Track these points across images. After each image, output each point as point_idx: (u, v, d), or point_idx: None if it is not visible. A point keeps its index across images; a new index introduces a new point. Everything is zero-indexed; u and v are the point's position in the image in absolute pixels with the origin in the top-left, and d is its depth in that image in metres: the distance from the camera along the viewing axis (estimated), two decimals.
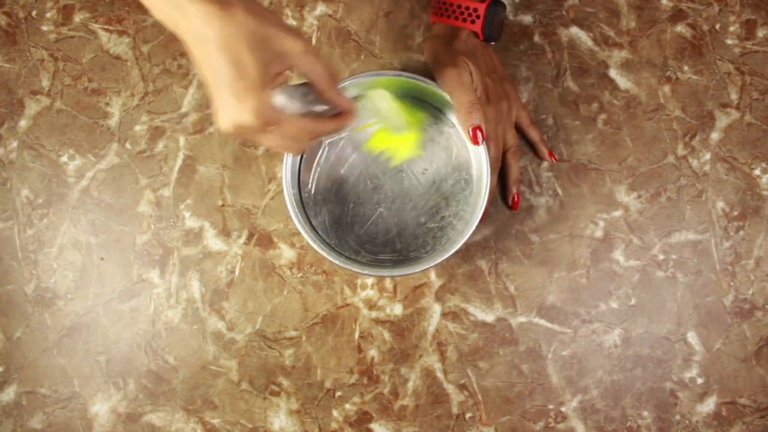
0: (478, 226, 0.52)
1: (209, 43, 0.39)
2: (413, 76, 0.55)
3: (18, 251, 0.64)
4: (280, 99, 0.43)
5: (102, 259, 0.63)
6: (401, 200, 0.57)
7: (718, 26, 0.63)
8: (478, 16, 0.56)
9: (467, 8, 0.56)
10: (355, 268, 0.53)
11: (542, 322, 0.60)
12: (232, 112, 0.41)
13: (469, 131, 0.53)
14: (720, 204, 0.61)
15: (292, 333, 0.62)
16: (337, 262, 0.53)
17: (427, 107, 0.58)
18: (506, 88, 0.59)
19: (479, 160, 0.54)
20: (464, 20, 0.56)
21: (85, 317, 0.63)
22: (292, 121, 0.44)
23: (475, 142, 0.53)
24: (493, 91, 0.57)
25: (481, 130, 0.53)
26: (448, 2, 0.57)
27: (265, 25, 0.40)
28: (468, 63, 0.54)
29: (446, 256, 0.53)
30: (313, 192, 0.57)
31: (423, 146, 0.57)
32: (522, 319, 0.61)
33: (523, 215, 0.62)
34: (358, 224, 0.57)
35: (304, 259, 0.62)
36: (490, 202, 0.57)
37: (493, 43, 0.59)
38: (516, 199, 0.60)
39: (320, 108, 0.47)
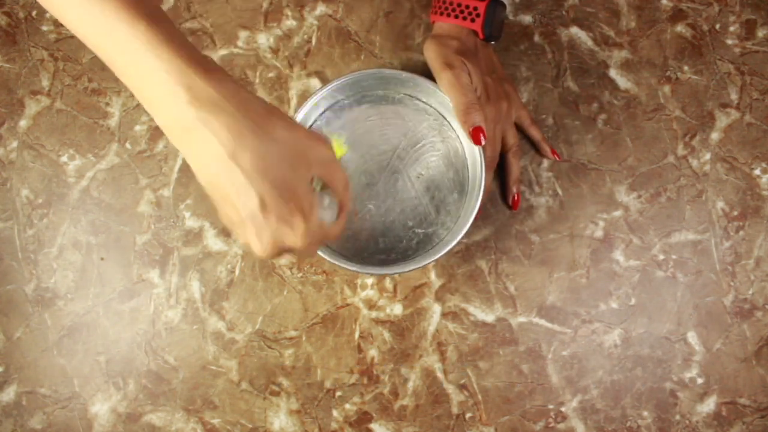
0: (478, 227, 0.52)
1: (241, 163, 0.34)
2: (413, 76, 0.55)
3: (18, 251, 0.64)
4: (324, 214, 0.40)
5: (102, 259, 0.63)
6: (392, 200, 0.57)
7: (718, 26, 0.63)
8: (478, 15, 0.56)
9: (467, 7, 0.56)
10: (341, 263, 0.53)
11: (542, 322, 0.60)
12: (276, 236, 0.37)
13: (469, 131, 0.53)
14: (720, 204, 0.61)
15: (292, 333, 0.62)
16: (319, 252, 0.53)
17: (427, 113, 0.58)
18: (506, 88, 0.59)
19: (475, 162, 0.55)
20: (464, 19, 0.56)
21: (85, 317, 0.63)
22: (322, 234, 0.41)
23: (477, 142, 0.53)
24: (493, 91, 0.56)
25: (482, 131, 0.53)
26: (449, 1, 0.57)
27: (301, 138, 0.37)
28: (467, 63, 0.54)
29: (437, 256, 0.53)
30: None
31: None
32: (522, 319, 0.60)
33: (523, 215, 0.62)
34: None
35: (304, 259, 0.62)
36: (484, 202, 0.57)
37: (493, 42, 0.59)
38: (516, 198, 0.60)
39: (332, 215, 0.44)
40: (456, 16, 0.57)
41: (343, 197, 0.43)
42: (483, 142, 0.53)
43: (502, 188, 0.61)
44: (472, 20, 0.56)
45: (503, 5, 0.58)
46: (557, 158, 0.61)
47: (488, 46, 0.60)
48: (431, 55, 0.56)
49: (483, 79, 0.56)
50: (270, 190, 0.35)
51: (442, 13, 0.57)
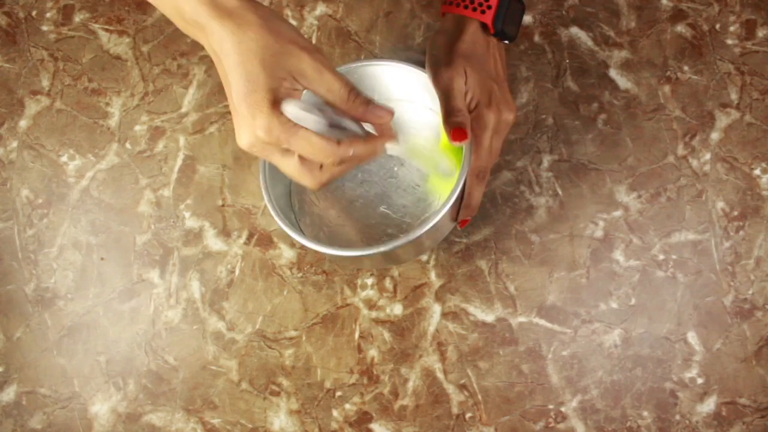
0: (478, 227, 0.52)
1: (227, 59, 0.39)
2: (412, 65, 0.53)
3: (18, 251, 0.64)
4: (292, 110, 0.40)
5: (102, 259, 0.63)
6: (379, 202, 0.56)
7: (718, 26, 0.63)
8: (489, 6, 0.52)
9: None
10: (311, 244, 0.51)
11: (542, 322, 0.60)
12: (246, 129, 0.40)
13: (449, 131, 0.48)
14: (720, 204, 0.61)
15: (292, 333, 0.62)
16: (289, 231, 0.52)
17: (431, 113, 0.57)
18: (511, 98, 0.54)
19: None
20: (474, 10, 0.52)
21: (85, 317, 0.63)
22: (308, 138, 0.40)
23: (455, 137, 0.48)
24: (498, 98, 0.52)
25: (462, 130, 0.48)
26: None
27: (280, 42, 0.39)
28: (466, 66, 0.51)
29: (398, 243, 0.49)
30: None
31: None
32: (522, 319, 0.61)
33: (523, 215, 0.62)
34: (335, 206, 0.56)
35: (304, 259, 0.62)
36: (471, 215, 0.53)
37: (506, 42, 0.55)
38: (459, 222, 0.55)
39: (349, 124, 0.42)
40: (466, 7, 0.53)
41: (351, 110, 0.42)
42: (464, 140, 0.48)
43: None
44: (483, 12, 0.52)
45: (521, 3, 0.55)
46: (459, 226, 0.56)
47: (500, 46, 0.55)
48: (430, 52, 0.53)
49: (487, 84, 0.52)
50: (238, 81, 0.39)
51: (452, 3, 0.54)
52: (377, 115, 0.43)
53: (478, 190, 0.52)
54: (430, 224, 0.48)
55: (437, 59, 0.52)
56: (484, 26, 0.53)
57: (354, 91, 0.42)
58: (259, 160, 0.63)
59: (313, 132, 0.40)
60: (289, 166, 0.41)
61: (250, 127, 0.39)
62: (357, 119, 0.43)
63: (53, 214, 0.64)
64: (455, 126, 0.48)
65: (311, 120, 0.40)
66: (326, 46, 0.64)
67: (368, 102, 0.43)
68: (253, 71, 0.39)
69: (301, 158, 0.41)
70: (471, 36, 0.53)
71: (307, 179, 0.42)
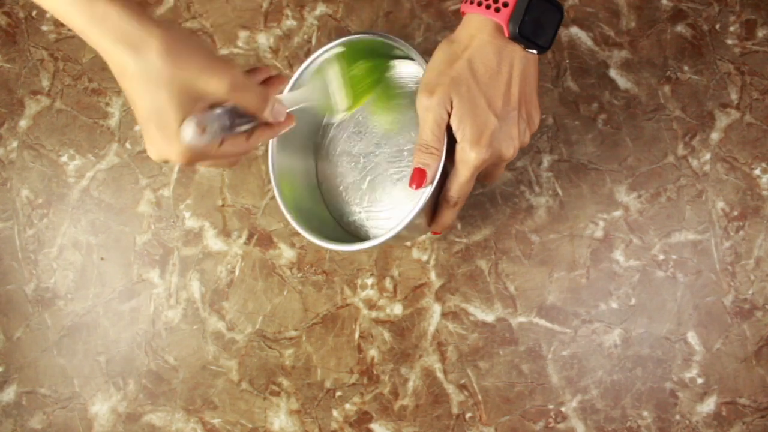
0: (478, 226, 0.52)
1: (131, 82, 0.38)
2: (387, 36, 0.50)
3: (18, 251, 0.64)
4: (191, 135, 0.40)
5: (102, 259, 0.63)
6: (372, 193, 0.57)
7: (718, 26, 0.63)
8: (506, 4, 0.43)
9: None
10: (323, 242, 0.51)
11: (542, 322, 0.60)
12: (158, 150, 0.41)
13: (413, 168, 0.45)
14: (720, 204, 0.61)
15: (292, 333, 0.62)
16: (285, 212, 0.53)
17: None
18: (524, 129, 0.46)
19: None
20: (487, 7, 0.43)
21: (85, 317, 0.63)
22: (218, 152, 0.42)
23: (412, 182, 0.45)
24: (495, 134, 0.44)
25: (425, 175, 0.45)
26: None
27: (184, 69, 0.38)
28: (453, 95, 0.44)
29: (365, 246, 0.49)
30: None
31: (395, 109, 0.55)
32: (522, 319, 0.61)
33: (523, 215, 0.62)
34: (325, 182, 0.57)
35: (304, 259, 0.62)
36: (437, 231, 0.53)
37: (534, 52, 0.45)
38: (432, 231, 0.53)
39: (246, 126, 0.44)
40: (480, 3, 0.44)
41: (263, 118, 0.44)
42: (421, 186, 0.45)
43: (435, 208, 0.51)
44: (497, 10, 0.43)
45: (558, 7, 0.45)
46: (436, 233, 0.56)
47: (525, 62, 0.45)
48: (427, 65, 0.46)
49: (479, 119, 0.44)
50: (147, 110, 0.39)
51: (471, 2, 0.45)
52: (280, 118, 0.45)
53: (449, 215, 0.49)
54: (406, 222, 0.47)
55: (426, 80, 0.45)
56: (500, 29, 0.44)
57: (266, 98, 0.43)
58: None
59: (225, 144, 0.42)
60: (204, 166, 0.45)
61: (162, 150, 0.40)
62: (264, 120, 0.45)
63: (53, 214, 0.64)
64: (415, 166, 0.45)
65: (211, 136, 0.41)
66: None
67: (279, 110, 0.45)
68: (160, 102, 0.38)
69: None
70: (477, 52, 0.44)
71: (225, 167, 0.48)
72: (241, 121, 0.43)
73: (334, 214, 0.58)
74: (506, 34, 0.44)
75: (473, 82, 0.44)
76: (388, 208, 0.56)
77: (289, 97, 0.48)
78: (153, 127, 0.39)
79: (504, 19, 0.43)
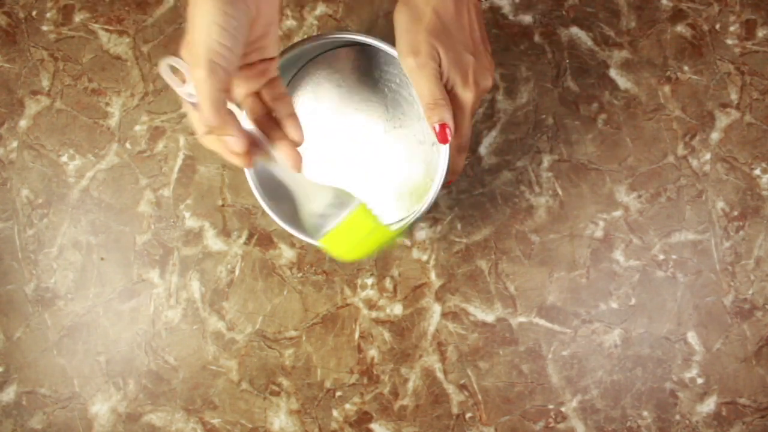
0: (478, 226, 0.52)
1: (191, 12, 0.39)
2: (382, 43, 0.50)
3: (18, 251, 0.64)
4: (165, 69, 0.40)
5: (102, 259, 0.63)
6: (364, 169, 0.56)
7: (718, 26, 0.63)
8: None
9: None
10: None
11: (542, 322, 0.60)
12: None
13: (435, 127, 0.47)
14: (720, 204, 0.61)
15: (292, 333, 0.62)
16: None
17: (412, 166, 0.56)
18: (490, 60, 0.50)
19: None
20: None
21: (85, 317, 0.63)
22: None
23: (442, 140, 0.47)
24: (475, 71, 0.48)
25: (447, 128, 0.47)
26: None
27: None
28: (438, 46, 0.46)
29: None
30: None
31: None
32: (522, 319, 0.60)
33: (523, 215, 0.62)
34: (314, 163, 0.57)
35: (304, 259, 0.62)
36: (455, 180, 0.53)
37: None
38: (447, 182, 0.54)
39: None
40: None
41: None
42: (450, 139, 0.47)
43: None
44: None
45: None
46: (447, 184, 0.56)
47: (473, 2, 0.49)
48: (396, 32, 0.47)
49: (462, 60, 0.47)
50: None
51: None
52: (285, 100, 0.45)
53: (461, 160, 0.52)
54: (428, 203, 0.50)
55: (404, 42, 0.47)
56: None
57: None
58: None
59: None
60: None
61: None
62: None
63: (53, 214, 0.64)
64: (440, 123, 0.47)
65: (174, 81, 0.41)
66: None
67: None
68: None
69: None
70: (439, 2, 0.46)
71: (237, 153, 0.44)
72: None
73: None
74: None
75: (446, 29, 0.46)
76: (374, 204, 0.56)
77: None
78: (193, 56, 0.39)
79: None
